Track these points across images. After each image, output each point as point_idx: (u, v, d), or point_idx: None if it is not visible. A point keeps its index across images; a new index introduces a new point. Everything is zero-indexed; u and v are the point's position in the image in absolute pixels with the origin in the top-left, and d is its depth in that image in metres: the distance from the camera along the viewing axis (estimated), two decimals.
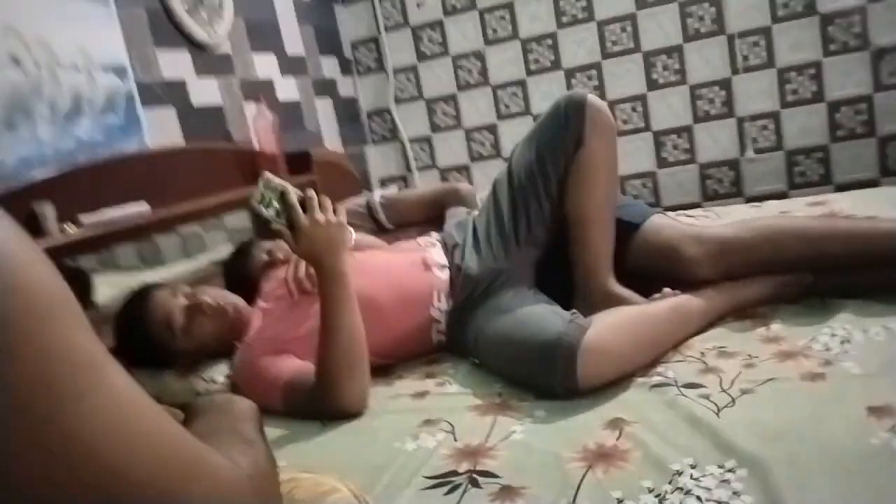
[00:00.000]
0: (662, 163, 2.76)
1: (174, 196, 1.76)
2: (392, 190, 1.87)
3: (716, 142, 2.68)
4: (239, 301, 1.37)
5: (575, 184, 1.37)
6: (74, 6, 1.66)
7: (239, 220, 2.01)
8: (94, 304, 1.50)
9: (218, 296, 1.33)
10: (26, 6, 1.53)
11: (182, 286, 1.36)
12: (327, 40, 2.88)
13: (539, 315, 1.19)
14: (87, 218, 1.51)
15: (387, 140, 3.10)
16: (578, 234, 1.38)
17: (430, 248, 1.47)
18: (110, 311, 1.36)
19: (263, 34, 2.44)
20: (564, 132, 1.35)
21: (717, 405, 0.94)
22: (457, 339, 1.34)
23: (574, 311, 1.18)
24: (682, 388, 1.01)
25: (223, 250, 2.11)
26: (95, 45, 1.71)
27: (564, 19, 2.75)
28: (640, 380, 1.08)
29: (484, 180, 3.00)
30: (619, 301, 1.30)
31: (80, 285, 1.48)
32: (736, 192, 2.69)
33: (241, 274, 1.55)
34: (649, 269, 1.44)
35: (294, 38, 2.63)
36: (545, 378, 1.08)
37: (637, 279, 1.43)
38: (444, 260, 1.42)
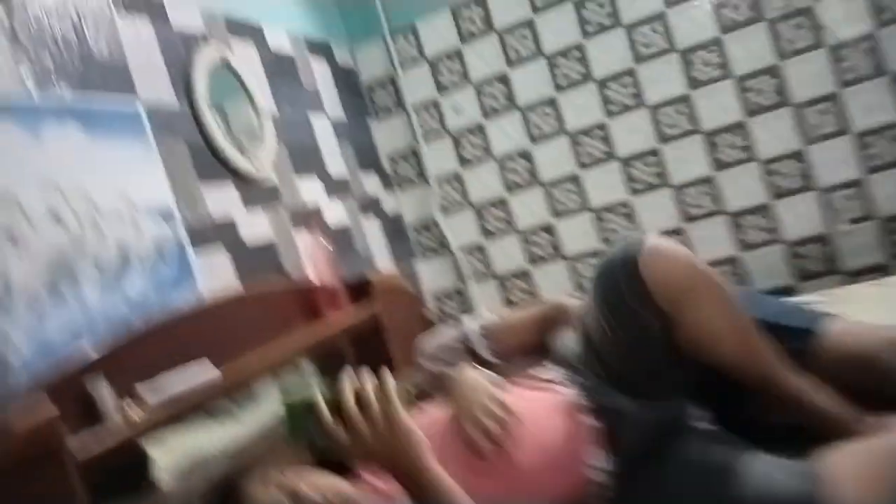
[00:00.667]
0: (745, 246, 2.53)
1: (235, 348, 1.53)
2: (490, 316, 1.62)
3: (800, 216, 2.46)
4: (344, 486, 1.10)
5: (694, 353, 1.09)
6: (112, 148, 1.49)
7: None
8: (152, 484, 1.23)
9: (320, 486, 1.06)
10: (61, 156, 1.35)
11: (271, 472, 1.09)
12: (366, 157, 2.74)
13: (763, 474, 0.91)
14: (144, 388, 1.27)
15: (436, 253, 2.90)
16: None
17: (560, 386, 1.20)
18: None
19: (306, 158, 2.28)
20: (633, 312, 1.08)
21: None
22: None
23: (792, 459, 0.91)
24: None
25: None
26: (138, 187, 1.53)
27: (613, 108, 2.61)
28: None
29: (547, 284, 2.77)
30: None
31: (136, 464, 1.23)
32: (830, 269, 2.45)
33: None
34: (837, 390, 1.16)
35: (335, 159, 2.48)
36: None
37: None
38: (585, 401, 1.15)
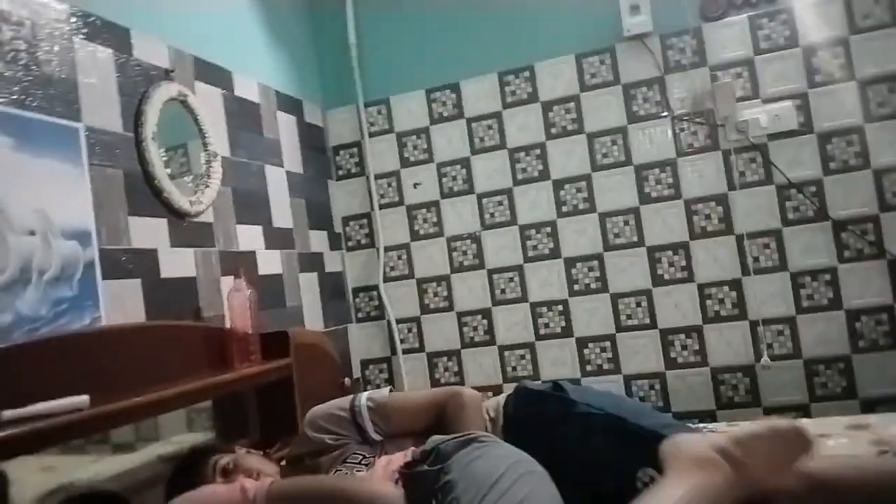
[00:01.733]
0: (671, 364, 2.55)
1: (126, 383, 1.48)
2: (383, 392, 1.60)
3: (728, 344, 2.49)
4: None
5: None
6: (40, 165, 1.49)
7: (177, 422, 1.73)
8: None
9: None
10: None
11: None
12: (318, 214, 2.76)
13: None
14: (11, 415, 1.22)
15: (372, 319, 2.88)
16: None
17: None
18: None
19: (251, 205, 2.29)
20: None
21: None
22: None
23: None
24: None
25: (176, 442, 1.82)
26: (58, 208, 1.52)
27: (564, 209, 2.67)
28: None
29: (474, 367, 2.76)
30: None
31: None
32: (752, 401, 2.46)
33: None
34: None
35: (283, 211, 2.49)
36: None
37: None
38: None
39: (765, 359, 2.43)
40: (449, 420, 1.48)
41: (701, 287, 2.52)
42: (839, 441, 1.71)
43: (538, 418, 1.44)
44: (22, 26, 1.51)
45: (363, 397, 1.59)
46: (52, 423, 1.20)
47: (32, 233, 1.44)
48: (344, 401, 1.61)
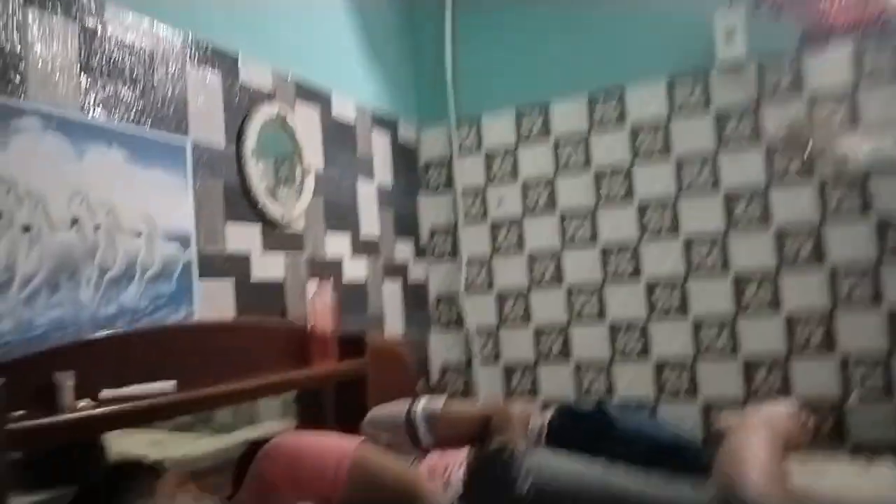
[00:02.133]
0: (752, 395, 2.47)
1: (213, 373, 1.66)
2: (438, 402, 1.69)
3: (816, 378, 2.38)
4: None
5: None
6: (149, 176, 1.70)
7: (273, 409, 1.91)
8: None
9: None
10: (98, 174, 1.57)
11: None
12: (406, 225, 2.90)
13: None
14: (109, 394, 1.41)
15: (451, 328, 2.98)
16: None
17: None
18: None
19: (341, 215, 2.46)
20: None
21: None
22: None
23: None
24: None
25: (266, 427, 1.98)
26: (163, 214, 1.72)
27: (650, 228, 2.65)
28: None
29: (549, 383, 2.79)
30: None
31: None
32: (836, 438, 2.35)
33: None
34: None
35: (371, 222, 2.65)
36: None
37: None
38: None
39: (853, 397, 2.31)
40: (493, 433, 1.54)
41: (788, 318, 2.44)
42: None
43: (579, 435, 1.48)
44: (143, 53, 1.73)
45: (420, 405, 1.68)
46: (139, 404, 1.38)
47: (139, 234, 1.65)
48: (401, 405, 1.71)
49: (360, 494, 1.17)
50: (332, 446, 1.22)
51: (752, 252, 2.48)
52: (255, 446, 1.54)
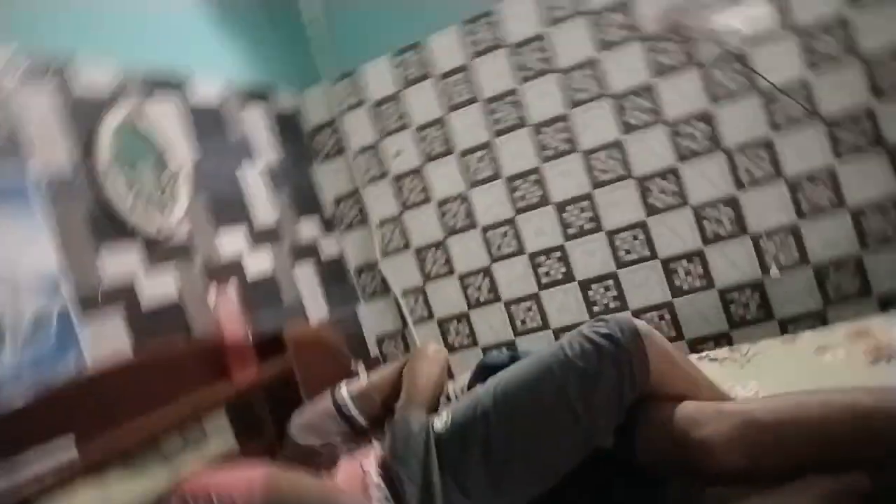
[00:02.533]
0: (677, 292, 2.50)
1: (120, 420, 1.53)
2: (359, 380, 1.64)
3: (733, 263, 2.42)
4: None
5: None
6: None
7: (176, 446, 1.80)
8: None
9: None
10: None
11: None
12: (305, 201, 2.75)
13: None
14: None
15: (378, 296, 2.90)
16: None
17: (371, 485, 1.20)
18: None
19: (229, 209, 2.30)
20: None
21: None
22: None
23: None
24: None
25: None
26: (19, 262, 1.54)
27: (546, 153, 2.60)
28: None
29: (484, 327, 2.76)
30: None
31: None
32: (765, 315, 2.41)
33: None
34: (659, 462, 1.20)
35: (264, 207, 2.49)
36: None
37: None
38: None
39: (773, 270, 2.36)
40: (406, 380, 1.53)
41: (696, 210, 2.45)
42: (836, 355, 1.67)
43: None
44: None
45: (343, 390, 1.62)
46: (43, 482, 1.26)
47: None
48: (324, 400, 1.64)
49: None
50: (240, 478, 1.14)
51: (650, 151, 2.47)
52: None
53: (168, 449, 1.86)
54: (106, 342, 1.71)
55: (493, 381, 1.33)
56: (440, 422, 1.30)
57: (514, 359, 1.54)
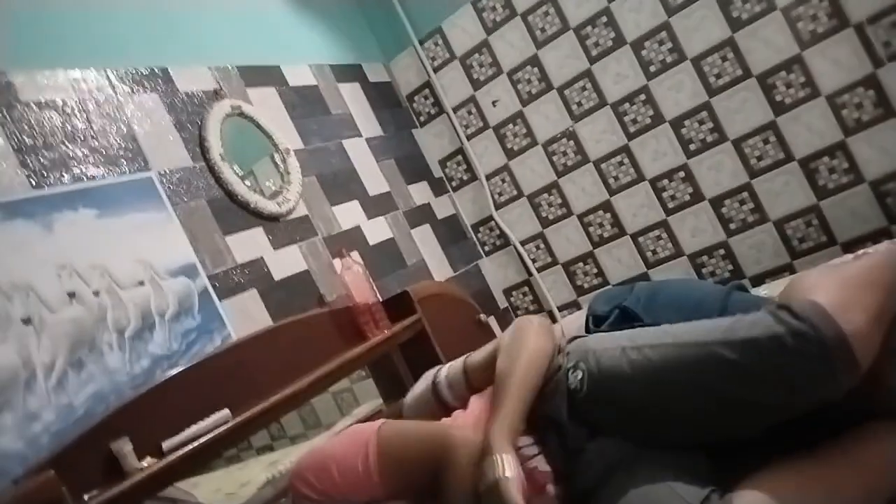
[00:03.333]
0: (822, 193, 2.28)
1: (264, 387, 1.62)
2: (457, 364, 1.54)
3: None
4: None
5: None
6: (126, 221, 1.63)
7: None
8: None
9: None
10: (73, 239, 1.50)
11: None
12: (413, 167, 2.77)
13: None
14: (170, 444, 1.38)
15: (499, 249, 2.87)
16: None
17: (530, 455, 1.14)
18: None
19: (340, 183, 2.35)
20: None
21: None
22: None
23: (711, 489, 0.85)
24: None
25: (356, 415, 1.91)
26: (157, 253, 1.66)
27: (652, 69, 2.44)
28: None
29: (613, 263, 2.65)
30: None
31: None
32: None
33: None
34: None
35: (375, 177, 2.53)
36: None
37: None
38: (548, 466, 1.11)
39: None
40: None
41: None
42: None
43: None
44: (67, 106, 1.64)
45: (442, 372, 1.55)
46: (201, 442, 1.35)
47: (141, 282, 1.59)
48: (425, 382, 1.58)
49: (395, 470, 1.10)
50: (354, 440, 1.14)
51: (768, 45, 2.24)
52: None
53: (322, 415, 1.95)
54: (249, 317, 1.80)
55: (633, 349, 1.11)
56: (573, 378, 1.17)
57: (623, 310, 1.44)
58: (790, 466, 0.90)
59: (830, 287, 0.95)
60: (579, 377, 1.13)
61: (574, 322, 1.57)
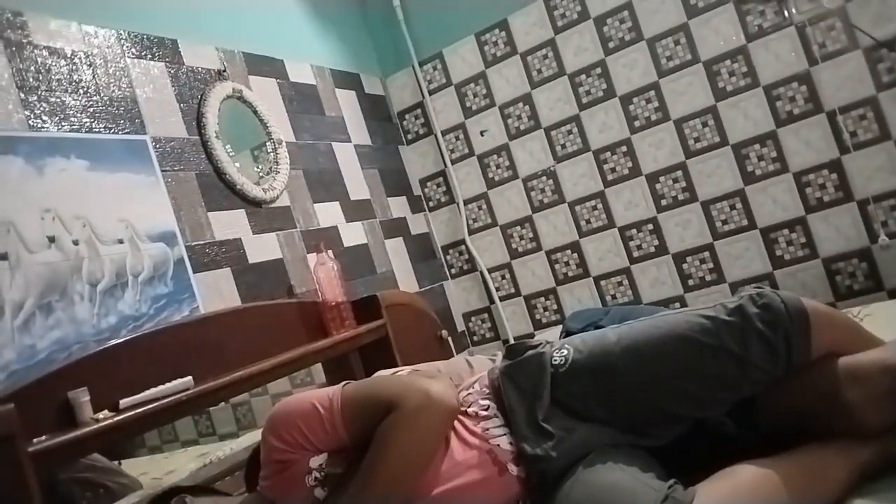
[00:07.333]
0: (778, 263, 2.41)
1: (229, 363, 1.62)
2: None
3: (837, 230, 2.31)
4: None
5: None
6: (117, 180, 1.63)
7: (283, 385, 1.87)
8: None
9: None
10: (62, 187, 1.50)
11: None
12: (394, 181, 2.82)
13: (625, 490, 0.91)
14: (128, 402, 1.37)
15: (465, 273, 2.93)
16: None
17: (495, 435, 1.17)
18: None
19: (325, 183, 2.39)
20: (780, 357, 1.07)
21: None
22: None
23: (674, 480, 0.91)
24: None
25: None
26: (141, 215, 1.66)
27: (637, 124, 2.56)
28: None
29: (573, 302, 2.74)
30: None
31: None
32: (874, 286, 2.28)
33: None
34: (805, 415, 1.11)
35: (358, 183, 2.57)
36: None
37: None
38: (512, 447, 1.15)
39: (882, 238, 2.24)
40: None
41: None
42: None
43: None
44: (76, 57, 1.65)
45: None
46: (158, 404, 1.35)
47: (121, 241, 1.59)
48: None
49: (358, 416, 1.15)
50: (319, 395, 1.19)
51: (746, 119, 2.40)
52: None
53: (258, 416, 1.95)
54: (218, 293, 1.81)
55: (617, 336, 1.20)
56: (558, 355, 1.22)
57: (599, 328, 1.51)
58: (748, 466, 0.97)
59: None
60: (564, 354, 1.20)
61: (486, 364, 1.60)
